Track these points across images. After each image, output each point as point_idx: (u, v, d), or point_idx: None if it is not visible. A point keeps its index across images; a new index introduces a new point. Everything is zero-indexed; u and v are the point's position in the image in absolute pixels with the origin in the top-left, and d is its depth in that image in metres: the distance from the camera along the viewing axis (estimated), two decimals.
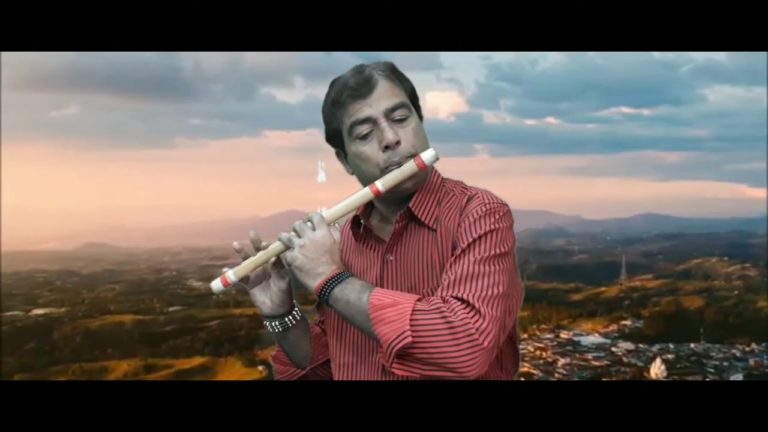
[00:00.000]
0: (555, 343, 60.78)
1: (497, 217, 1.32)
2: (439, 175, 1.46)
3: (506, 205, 1.36)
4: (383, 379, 1.37)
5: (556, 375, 49.80)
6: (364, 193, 1.39)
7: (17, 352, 55.99)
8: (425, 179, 1.42)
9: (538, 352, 56.82)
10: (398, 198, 1.41)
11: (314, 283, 1.31)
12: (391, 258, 1.41)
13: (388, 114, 1.36)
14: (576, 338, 62.41)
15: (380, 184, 1.36)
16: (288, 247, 1.36)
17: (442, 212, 1.39)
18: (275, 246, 1.40)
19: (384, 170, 1.36)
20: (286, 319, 1.50)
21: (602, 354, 56.81)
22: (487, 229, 1.29)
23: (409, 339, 1.17)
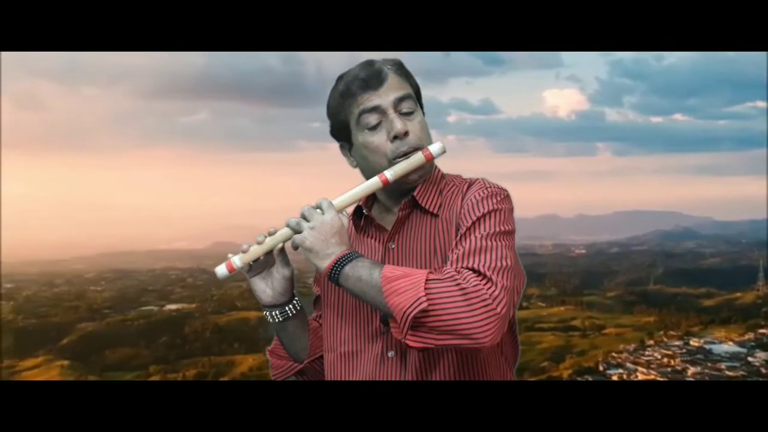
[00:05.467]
0: (684, 350, 57.71)
1: (499, 199, 1.35)
2: (439, 169, 1.49)
3: (506, 190, 1.39)
4: (381, 366, 1.38)
5: None
6: (372, 183, 1.41)
7: (152, 345, 59.43)
8: (430, 173, 1.46)
9: (665, 360, 54.23)
10: (401, 190, 1.43)
11: (324, 263, 1.32)
12: (393, 246, 1.43)
13: (397, 105, 1.40)
14: (707, 346, 59.04)
15: (389, 174, 1.38)
16: (296, 231, 1.37)
17: (445, 199, 1.43)
18: (283, 231, 1.41)
19: (392, 161, 1.40)
20: (287, 308, 1.51)
21: (737, 364, 53.52)
22: (490, 208, 1.32)
23: (425, 305, 1.17)
